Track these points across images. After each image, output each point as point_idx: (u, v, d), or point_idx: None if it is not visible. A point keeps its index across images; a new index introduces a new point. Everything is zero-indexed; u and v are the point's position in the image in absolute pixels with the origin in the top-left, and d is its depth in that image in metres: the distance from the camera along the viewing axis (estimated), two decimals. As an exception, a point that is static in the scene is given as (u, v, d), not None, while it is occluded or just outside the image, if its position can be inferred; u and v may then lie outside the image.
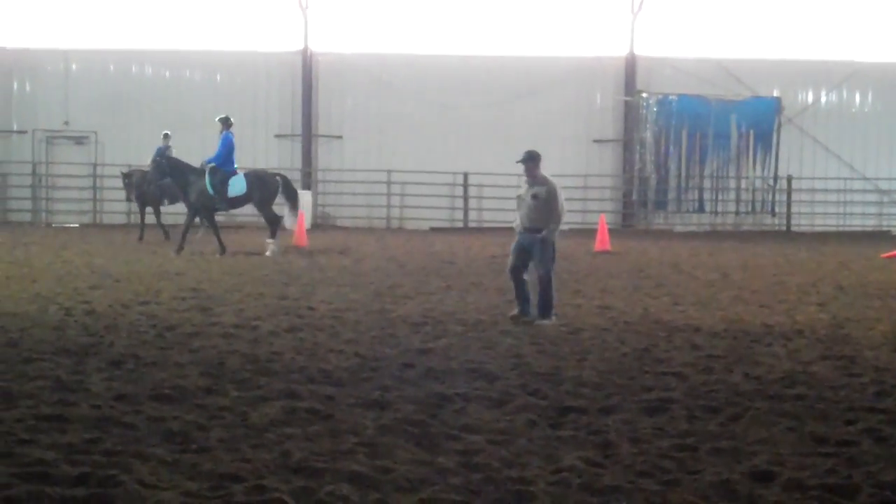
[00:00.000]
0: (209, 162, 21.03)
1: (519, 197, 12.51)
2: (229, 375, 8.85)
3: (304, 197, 31.07)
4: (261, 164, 31.57)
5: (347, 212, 32.35)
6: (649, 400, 8.15)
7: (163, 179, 22.05)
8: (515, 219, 12.62)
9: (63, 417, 7.29)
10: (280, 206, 22.11)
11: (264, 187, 21.40)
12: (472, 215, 32.39)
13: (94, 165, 32.95)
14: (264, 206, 21.42)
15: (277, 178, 22.03)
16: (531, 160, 12.36)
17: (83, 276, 16.61)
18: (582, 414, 7.69)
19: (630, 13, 32.29)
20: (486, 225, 31.40)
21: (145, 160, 31.73)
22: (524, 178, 12.53)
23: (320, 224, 31.22)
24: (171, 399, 7.94)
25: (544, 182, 12.35)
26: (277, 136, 32.99)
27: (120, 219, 32.00)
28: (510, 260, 12.64)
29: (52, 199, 33.72)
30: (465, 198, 32.13)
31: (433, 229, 31.08)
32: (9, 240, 24.24)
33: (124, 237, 25.47)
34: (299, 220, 24.69)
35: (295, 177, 32.62)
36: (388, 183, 32.15)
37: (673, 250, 23.89)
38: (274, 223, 21.30)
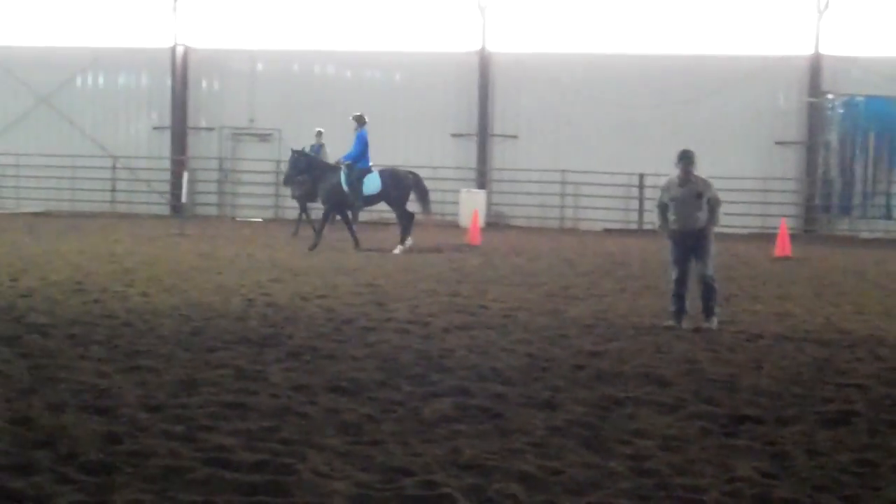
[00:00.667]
0: (345, 159, 21.38)
1: (673, 199, 12.03)
2: (403, 370, 8.98)
3: (479, 196, 31.33)
4: (437, 163, 31.99)
5: (521, 211, 32.36)
6: (829, 412, 7.87)
7: (298, 176, 22.70)
8: (658, 221, 12.39)
9: (243, 405, 7.54)
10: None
11: (398, 185, 21.62)
12: (648, 217, 31.92)
13: (277, 162, 33.94)
14: (398, 204, 21.62)
15: (410, 176, 22.19)
16: (691, 160, 12.08)
17: (265, 269, 17.15)
18: (757, 423, 7.49)
19: (816, 11, 31.23)
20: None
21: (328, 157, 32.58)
22: (672, 180, 12.18)
23: (494, 223, 31.34)
24: (346, 391, 8.11)
25: (703, 181, 12.09)
26: (454, 135, 33.28)
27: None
28: (675, 271, 12.08)
29: (237, 194, 34.91)
30: (641, 199, 31.69)
31: (607, 230, 30.80)
32: (196, 232, 25.22)
33: (304, 232, 26.11)
34: (473, 218, 24.88)
35: (470, 176, 32.94)
36: (563, 183, 32.02)
37: (857, 257, 23.00)
38: (407, 221, 21.49)
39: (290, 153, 23.21)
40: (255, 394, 7.92)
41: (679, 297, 12.02)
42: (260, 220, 32.91)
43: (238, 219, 33.46)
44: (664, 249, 22.93)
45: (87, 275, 15.47)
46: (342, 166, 21.35)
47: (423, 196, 22.34)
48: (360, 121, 21.72)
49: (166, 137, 35.14)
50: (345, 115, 33.30)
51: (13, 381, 8.12)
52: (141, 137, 35.44)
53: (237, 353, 9.60)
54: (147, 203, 34.60)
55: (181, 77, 34.93)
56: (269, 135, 34.57)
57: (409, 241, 21.21)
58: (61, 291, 13.56)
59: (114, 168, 34.76)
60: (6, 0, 35.64)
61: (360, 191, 21.24)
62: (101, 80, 35.94)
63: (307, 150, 24.00)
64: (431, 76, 33.38)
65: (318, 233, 21.39)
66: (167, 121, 35.10)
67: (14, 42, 35.48)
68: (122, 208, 34.17)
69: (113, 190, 34.71)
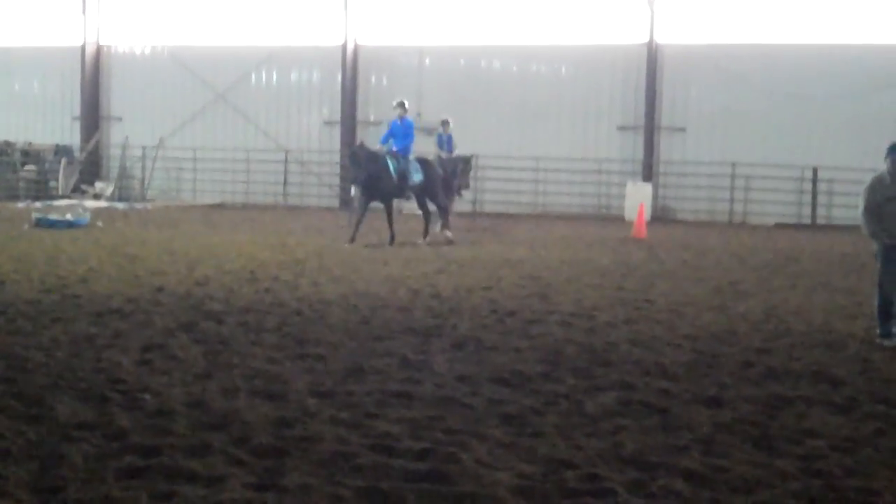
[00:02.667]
0: (399, 150, 20.55)
1: (890, 199, 10.43)
2: (566, 363, 8.96)
3: (645, 189, 30.94)
4: (603, 155, 31.73)
5: (689, 205, 31.81)
6: None
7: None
8: (870, 227, 10.50)
9: (408, 394, 7.65)
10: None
11: (433, 174, 21.25)
12: (821, 211, 30.92)
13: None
14: (436, 193, 21.28)
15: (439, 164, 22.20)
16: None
17: (430, 260, 17.35)
18: (937, 426, 7.18)
19: None
20: (835, 222, 29.91)
21: (492, 151, 32.81)
22: (882, 177, 10.73)
23: (661, 217, 30.90)
24: (510, 383, 8.14)
25: None
26: (620, 127, 32.95)
27: (464, 207, 33.10)
28: (889, 280, 10.39)
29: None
30: (814, 193, 30.71)
31: (778, 225, 29.96)
32: (365, 224, 25.67)
33: (468, 224, 26.24)
34: (639, 212, 24.58)
35: (636, 169, 32.55)
36: (732, 176, 31.30)
37: None
38: (444, 210, 21.56)
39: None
40: (419, 383, 8.03)
41: (886, 305, 10.43)
42: (419, 212, 33.23)
43: (405, 212, 33.93)
44: (838, 245, 22.28)
45: (259, 264, 15.96)
46: (388, 154, 20.46)
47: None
48: (402, 107, 21.08)
49: (336, 131, 35.90)
50: (511, 109, 33.65)
51: (189, 366, 8.44)
52: (312, 131, 36.31)
53: (403, 342, 9.75)
54: (318, 195, 35.45)
55: (351, 72, 35.63)
56: (436, 129, 34.90)
57: (447, 232, 21.24)
58: (235, 280, 14.02)
59: (286, 161, 35.73)
60: (187, 2, 37.03)
61: (409, 180, 20.67)
62: (274, 77, 36.98)
63: (438, 138, 23.84)
64: (598, 69, 33.12)
65: (391, 226, 20.59)
66: (337, 115, 35.86)
67: (193, 42, 36.86)
68: (293, 200, 35.08)
69: (285, 182, 35.66)
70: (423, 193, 21.14)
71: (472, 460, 6.04)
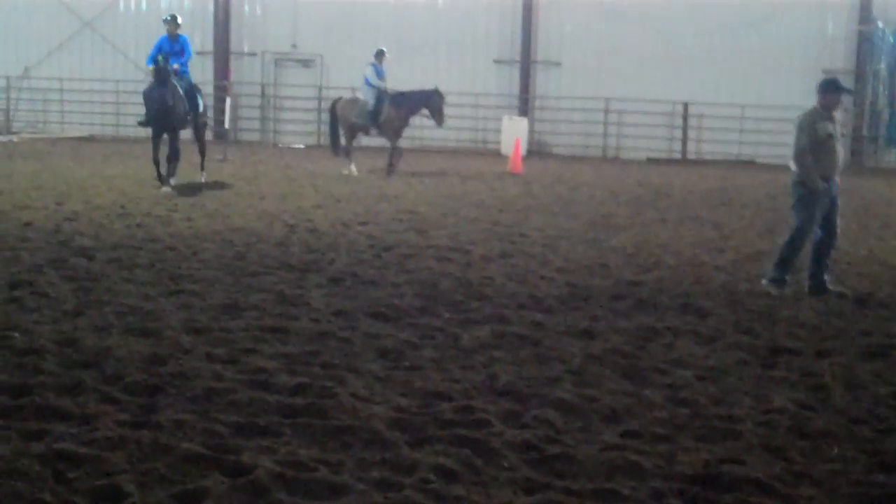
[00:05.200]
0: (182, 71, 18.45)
1: (829, 136, 9.70)
2: (442, 297, 9.05)
3: (521, 124, 31.15)
4: (479, 89, 31.84)
5: (564, 139, 32.16)
6: (868, 345, 7.84)
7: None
8: (805, 169, 9.67)
9: (285, 329, 7.65)
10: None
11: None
12: (691, 147, 31.64)
13: (320, 88, 33.89)
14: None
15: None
16: (842, 90, 9.98)
17: (307, 195, 17.23)
18: (796, 355, 7.49)
19: (868, -64, 30.49)
20: (705, 157, 30.65)
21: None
22: (813, 113, 9.81)
23: (536, 151, 31.20)
24: (386, 317, 8.19)
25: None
26: (496, 61, 33.01)
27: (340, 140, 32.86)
28: (809, 231, 9.86)
29: (280, 121, 34.94)
30: (685, 128, 31.38)
31: (650, 160, 30.56)
32: (239, 158, 25.32)
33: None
34: (515, 146, 24.75)
35: (513, 103, 32.72)
36: (606, 111, 31.72)
37: (904, 189, 22.71)
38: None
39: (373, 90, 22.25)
40: (296, 318, 8.03)
41: (791, 262, 9.94)
42: (302, 146, 32.95)
43: (280, 145, 33.53)
44: (707, 179, 22.86)
45: (130, 199, 15.63)
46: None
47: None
48: (174, 23, 18.70)
49: (209, 62, 35.13)
50: (386, 41, 33.33)
51: (59, 304, 8.27)
52: (183, 62, 35.45)
53: (279, 278, 9.71)
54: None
55: (223, 1, 34.84)
56: (312, 61, 34.49)
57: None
58: (106, 215, 13.72)
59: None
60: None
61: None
62: (143, 4, 35.92)
63: (370, 72, 22.71)
64: (475, 2, 33.05)
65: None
66: (210, 46, 35.08)
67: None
68: (165, 133, 34.29)
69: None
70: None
71: (348, 394, 6.08)
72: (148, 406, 5.81)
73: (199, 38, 35.17)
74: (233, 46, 35.16)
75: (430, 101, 22.46)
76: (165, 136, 17.59)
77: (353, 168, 21.65)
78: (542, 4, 32.64)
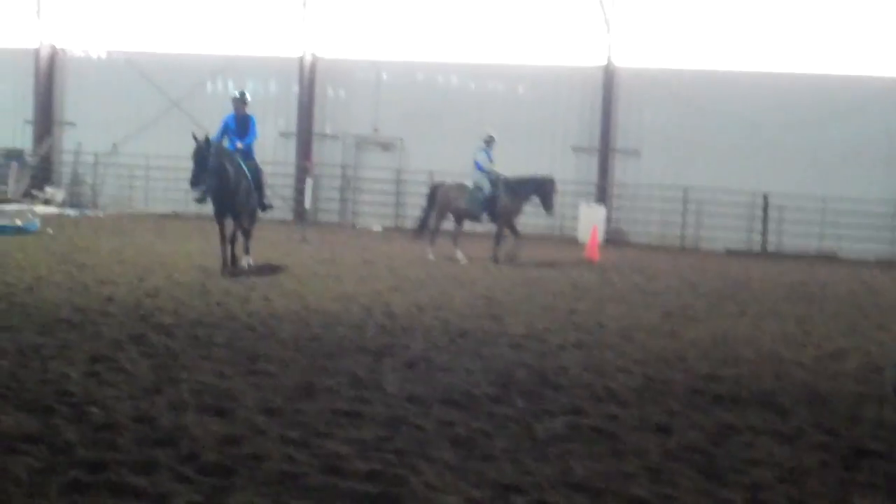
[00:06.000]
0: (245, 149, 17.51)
1: None
2: (516, 386, 8.97)
3: (599, 211, 31.14)
4: (557, 175, 31.78)
5: (641, 228, 32.08)
6: (957, 450, 7.57)
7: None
8: None
9: (358, 414, 7.62)
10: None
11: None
12: (772, 239, 31.30)
13: (398, 171, 34.31)
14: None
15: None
16: None
17: (383, 277, 17.32)
18: (880, 458, 7.26)
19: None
20: (785, 250, 30.28)
21: (447, 168, 32.77)
22: None
23: (613, 239, 31.10)
24: (460, 404, 8.13)
25: None
26: (575, 148, 33.15)
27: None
28: None
29: (359, 202, 35.35)
30: (765, 220, 31.07)
31: (729, 251, 30.27)
32: (317, 239, 25.61)
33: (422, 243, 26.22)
34: (592, 234, 24.70)
35: (590, 190, 32.75)
36: (685, 200, 31.61)
37: None
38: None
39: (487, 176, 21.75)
40: (370, 402, 8.00)
41: None
42: (379, 228, 33.24)
43: (358, 227, 33.86)
44: (788, 273, 22.53)
45: (210, 277, 15.84)
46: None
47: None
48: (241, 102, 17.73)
49: (292, 143, 35.80)
50: (467, 126, 33.70)
51: (137, 380, 8.35)
52: (267, 143, 36.12)
53: (354, 361, 9.72)
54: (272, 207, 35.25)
55: (308, 85, 35.60)
56: (392, 144, 34.96)
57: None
58: (186, 292, 13.91)
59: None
60: (142, 8, 36.80)
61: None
62: (230, 86, 36.76)
63: (483, 158, 22.10)
64: (555, 89, 33.36)
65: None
66: (293, 127, 35.78)
67: (149, 48, 36.64)
68: (246, 212, 34.86)
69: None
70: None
71: (421, 483, 6.02)
72: (221, 487, 5.81)
73: (283, 120, 36.01)
74: (316, 128, 35.82)
75: (543, 189, 22.13)
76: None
77: (460, 255, 21.33)
78: (621, 94, 32.82)
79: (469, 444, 7.02)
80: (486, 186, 21.76)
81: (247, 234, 17.48)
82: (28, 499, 5.43)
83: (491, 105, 33.86)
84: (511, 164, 29.50)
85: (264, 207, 17.89)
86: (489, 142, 22.16)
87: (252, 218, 17.67)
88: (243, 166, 16.95)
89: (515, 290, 16.40)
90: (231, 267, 16.73)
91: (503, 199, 21.80)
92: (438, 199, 22.35)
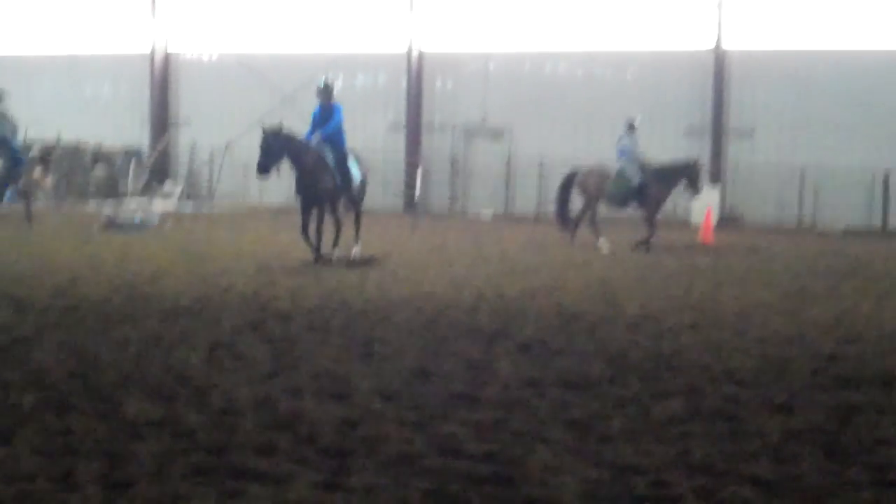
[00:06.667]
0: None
1: None
2: (632, 367, 8.88)
3: (712, 193, 30.61)
4: (669, 158, 31.47)
5: (756, 209, 31.42)
6: None
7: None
8: None
9: (473, 396, 7.63)
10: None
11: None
12: (893, 217, 30.35)
13: (508, 159, 34.26)
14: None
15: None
16: None
17: (495, 263, 17.32)
18: None
19: None
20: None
21: (556, 155, 32.69)
22: None
23: (728, 221, 30.55)
24: (575, 387, 8.08)
25: None
26: (687, 132, 32.65)
27: (530, 210, 33.04)
28: None
29: (469, 191, 35.42)
30: (885, 198, 30.15)
31: (847, 231, 29.48)
32: (429, 227, 25.74)
33: (533, 229, 26.22)
34: (706, 216, 24.30)
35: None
36: (801, 180, 30.85)
37: None
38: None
39: None
40: (484, 385, 8.00)
41: None
42: (490, 216, 33.24)
43: (469, 215, 33.91)
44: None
45: (324, 265, 16.03)
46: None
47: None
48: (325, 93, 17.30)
49: (401, 135, 36.03)
50: (576, 114, 33.53)
51: (256, 365, 8.50)
52: (377, 136, 36.46)
53: (468, 344, 9.73)
54: (383, 199, 35.57)
55: (416, 77, 35.77)
56: (501, 132, 34.92)
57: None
58: (301, 281, 14.11)
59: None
60: (252, 10, 37.51)
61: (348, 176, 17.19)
62: (340, 82, 37.17)
63: (628, 144, 21.39)
64: (664, 74, 32.90)
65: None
66: (402, 119, 36.01)
67: (260, 49, 37.31)
68: (359, 204, 35.23)
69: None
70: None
71: (537, 464, 6.00)
72: (340, 469, 5.86)
73: (392, 113, 36.26)
74: (424, 120, 35.99)
75: (690, 172, 21.63)
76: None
77: (603, 242, 20.68)
78: (733, 75, 32.20)
79: (585, 425, 6.97)
80: (635, 173, 21.09)
81: (356, 223, 17.51)
82: (153, 482, 5.56)
83: (599, 91, 33.57)
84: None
85: (352, 198, 17.47)
86: (631, 127, 21.60)
87: (353, 207, 17.65)
88: (326, 155, 16.62)
89: (629, 274, 16.24)
90: (320, 255, 16.41)
91: (654, 186, 21.19)
92: (582, 186, 21.68)
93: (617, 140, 21.80)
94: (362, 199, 17.92)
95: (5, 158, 22.60)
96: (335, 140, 16.95)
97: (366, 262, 16.75)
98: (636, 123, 21.84)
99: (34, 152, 24.18)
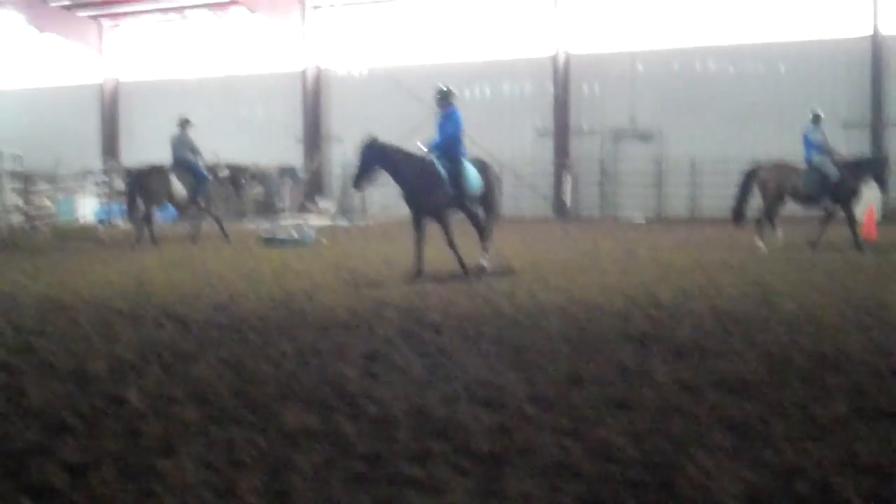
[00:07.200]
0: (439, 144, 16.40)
1: None
2: (793, 370, 8.62)
3: (873, 188, 29.49)
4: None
5: (922, 203, 30.22)
6: None
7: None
8: None
9: (628, 402, 7.53)
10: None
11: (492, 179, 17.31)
12: None
13: (659, 161, 33.82)
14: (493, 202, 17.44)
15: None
16: None
17: (648, 267, 17.09)
18: None
19: None
20: None
21: (707, 155, 32.11)
22: None
23: (892, 217, 29.43)
24: (734, 390, 7.88)
25: None
26: (845, 125, 31.63)
27: (682, 212, 32.54)
28: None
29: (618, 194, 35.09)
30: None
31: None
32: (579, 233, 25.58)
33: (686, 231, 25.77)
34: (868, 212, 23.44)
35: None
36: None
37: None
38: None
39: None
40: (639, 391, 7.89)
41: None
42: (641, 219, 32.86)
43: (620, 219, 33.59)
44: None
45: (474, 275, 16.07)
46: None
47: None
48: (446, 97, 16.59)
49: (549, 141, 35.97)
50: (727, 110, 32.86)
51: (410, 376, 8.57)
52: (525, 142, 36.51)
53: (621, 350, 9.62)
54: (532, 206, 35.56)
55: (563, 82, 35.69)
56: (650, 134, 34.50)
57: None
58: (453, 291, 14.19)
59: (500, 173, 35.98)
60: (397, 24, 38.00)
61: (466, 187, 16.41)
62: (487, 91, 37.38)
63: (819, 138, 20.43)
64: (818, 65, 31.99)
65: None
66: (550, 125, 35.94)
67: (407, 62, 37.79)
68: (508, 212, 35.25)
69: (500, 194, 35.92)
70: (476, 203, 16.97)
71: (697, 470, 5.87)
72: (495, 476, 5.86)
73: (539, 118, 36.26)
74: (572, 125, 35.85)
75: (877, 168, 20.96)
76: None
77: (780, 234, 20.22)
78: (892, 63, 31.04)
79: (746, 429, 6.79)
80: (832, 169, 20.27)
81: (482, 234, 16.87)
82: (313, 491, 5.66)
83: (751, 87, 32.84)
84: (778, 146, 28.60)
85: (469, 207, 16.71)
86: (816, 120, 20.73)
87: (480, 217, 16.93)
88: (434, 165, 16.00)
89: (787, 273, 15.79)
90: (420, 270, 15.93)
91: (849, 181, 20.33)
92: (763, 183, 20.80)
93: (805, 133, 20.82)
94: (491, 208, 17.19)
95: (191, 181, 23.83)
96: (449, 148, 16.26)
97: (499, 273, 16.50)
98: (821, 114, 20.95)
99: (223, 172, 25.19)
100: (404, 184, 16.09)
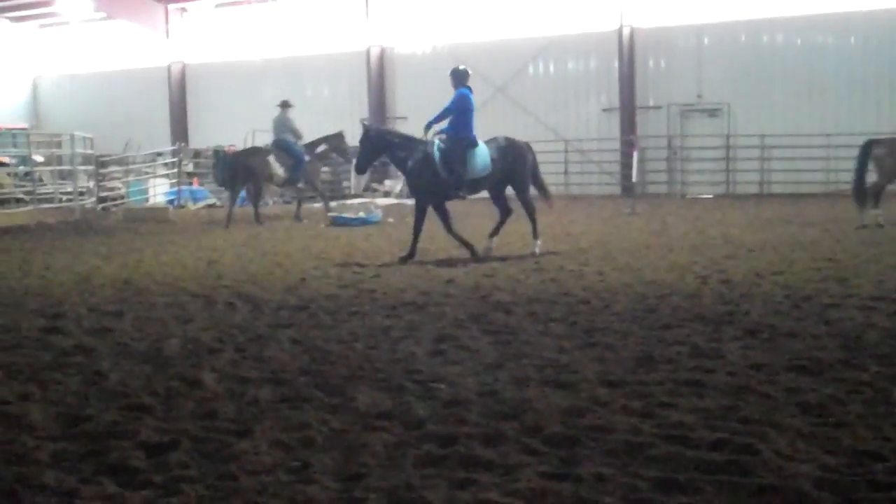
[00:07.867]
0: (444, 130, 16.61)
1: None
2: (868, 350, 8.49)
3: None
4: (885, 128, 29.88)
5: None
6: None
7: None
8: None
9: (700, 383, 7.48)
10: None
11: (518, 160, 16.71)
12: None
13: (727, 137, 33.41)
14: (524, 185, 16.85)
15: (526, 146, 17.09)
16: None
17: (718, 246, 16.93)
18: None
19: None
20: None
21: (777, 130, 31.64)
22: None
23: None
24: (808, 371, 7.80)
25: None
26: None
27: (752, 189, 32.18)
28: None
29: (687, 171, 34.75)
30: None
31: None
32: (647, 211, 25.39)
33: (756, 209, 25.46)
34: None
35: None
36: None
37: None
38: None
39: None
40: (711, 371, 7.83)
41: None
42: (710, 196, 32.53)
43: (688, 196, 33.28)
44: None
45: (544, 253, 16.06)
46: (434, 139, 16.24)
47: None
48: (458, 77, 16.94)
49: (615, 118, 35.70)
50: (796, 84, 32.32)
51: (480, 356, 8.60)
52: (591, 120, 36.28)
53: (692, 330, 9.55)
54: (598, 184, 35.38)
55: (628, 57, 35.36)
56: (718, 109, 34.09)
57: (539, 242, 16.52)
58: (521, 271, 14.18)
59: (566, 151, 35.84)
60: (463, 1, 37.92)
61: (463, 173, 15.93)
62: (551, 67, 37.18)
63: None
64: (890, 36, 31.28)
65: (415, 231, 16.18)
66: (616, 102, 35.66)
67: (471, 38, 37.65)
68: (574, 189, 35.15)
69: (566, 172, 35.79)
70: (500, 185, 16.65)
71: (771, 451, 5.82)
72: (568, 459, 5.86)
73: (605, 95, 35.99)
74: (638, 101, 35.54)
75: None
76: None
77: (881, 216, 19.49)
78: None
79: (820, 410, 6.72)
80: None
81: (531, 219, 16.55)
82: (385, 472, 5.71)
83: (820, 60, 32.28)
84: (848, 121, 28.12)
85: (455, 191, 16.14)
86: None
87: (524, 203, 16.58)
88: (431, 149, 15.99)
89: (862, 252, 15.54)
90: (475, 251, 15.84)
91: None
92: (880, 159, 19.82)
93: None
94: (521, 189, 16.51)
95: (289, 161, 24.61)
96: (452, 129, 16.16)
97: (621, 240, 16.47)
98: None
99: (320, 148, 26.03)
100: (402, 170, 16.75)
